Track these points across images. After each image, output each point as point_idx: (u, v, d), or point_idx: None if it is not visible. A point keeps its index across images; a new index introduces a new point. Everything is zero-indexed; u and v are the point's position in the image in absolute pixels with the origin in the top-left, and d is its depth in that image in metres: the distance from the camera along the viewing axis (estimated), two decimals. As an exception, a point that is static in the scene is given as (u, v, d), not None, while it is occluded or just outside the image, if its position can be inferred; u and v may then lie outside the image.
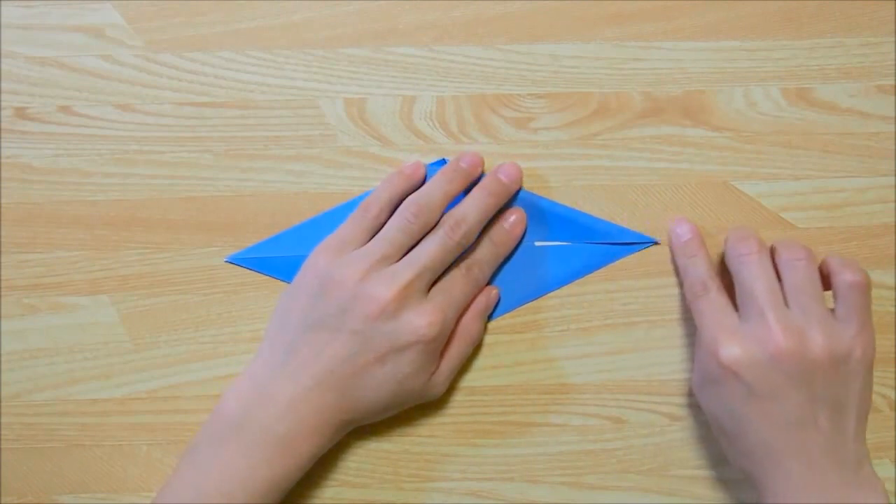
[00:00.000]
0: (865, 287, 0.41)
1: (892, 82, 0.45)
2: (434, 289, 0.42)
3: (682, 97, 0.45)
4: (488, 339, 0.45)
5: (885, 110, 0.45)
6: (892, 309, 0.45)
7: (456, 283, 0.42)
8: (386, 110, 0.45)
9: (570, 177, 0.45)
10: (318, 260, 0.41)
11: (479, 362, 0.45)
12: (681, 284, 0.45)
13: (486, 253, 0.43)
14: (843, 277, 0.41)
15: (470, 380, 0.45)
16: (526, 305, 0.45)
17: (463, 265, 0.43)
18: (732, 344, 0.40)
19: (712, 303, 0.42)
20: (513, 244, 0.44)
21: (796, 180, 0.45)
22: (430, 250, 0.41)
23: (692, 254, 0.44)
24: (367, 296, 0.40)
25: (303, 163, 0.45)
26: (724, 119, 0.45)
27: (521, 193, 0.45)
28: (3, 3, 0.45)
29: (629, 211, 0.45)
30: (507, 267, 0.45)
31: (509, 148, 0.45)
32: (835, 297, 0.41)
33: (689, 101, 0.45)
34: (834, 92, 0.45)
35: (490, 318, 0.45)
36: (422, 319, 0.40)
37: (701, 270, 0.43)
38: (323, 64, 0.45)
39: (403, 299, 0.40)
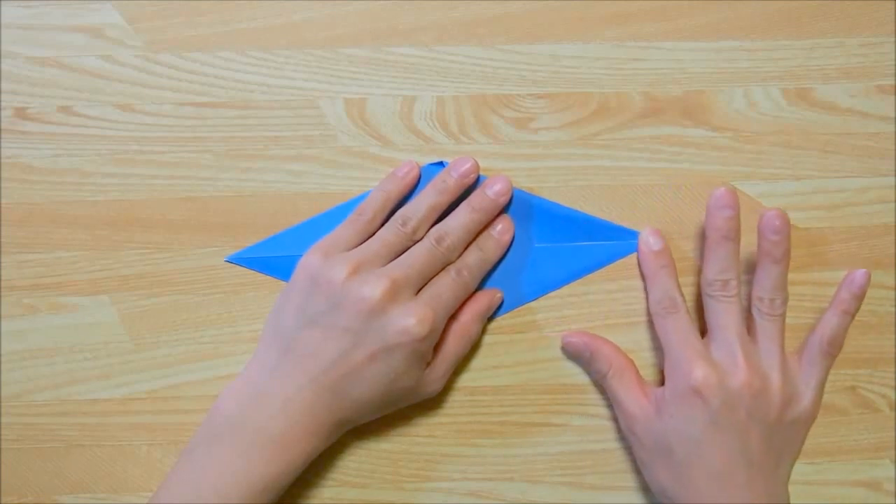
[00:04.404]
0: (835, 358, 0.43)
1: (892, 82, 0.45)
2: (423, 290, 0.42)
3: (682, 97, 0.45)
4: (488, 339, 0.45)
5: (885, 110, 0.45)
6: (892, 309, 0.45)
7: (445, 284, 0.42)
8: (386, 110, 0.45)
9: (570, 177, 0.45)
10: (311, 260, 0.41)
11: (479, 362, 0.45)
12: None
13: (475, 259, 0.43)
14: (822, 342, 0.43)
15: (470, 380, 0.45)
16: (526, 305, 0.45)
17: (452, 269, 0.43)
18: (705, 366, 0.41)
19: (681, 324, 0.43)
20: (501, 252, 0.44)
21: (796, 180, 0.45)
22: (418, 255, 0.42)
23: (663, 264, 0.44)
24: (357, 292, 0.40)
25: (302, 163, 0.45)
26: (724, 119, 0.45)
27: (521, 195, 0.45)
28: (3, 3, 0.45)
29: (629, 211, 0.45)
30: (507, 267, 0.45)
31: (509, 148, 0.45)
32: (806, 351, 0.43)
33: (689, 101, 0.45)
34: (834, 92, 0.45)
35: (491, 318, 0.45)
36: (411, 318, 0.40)
37: (669, 285, 0.43)
38: (323, 64, 0.45)
39: (392, 296, 0.40)
